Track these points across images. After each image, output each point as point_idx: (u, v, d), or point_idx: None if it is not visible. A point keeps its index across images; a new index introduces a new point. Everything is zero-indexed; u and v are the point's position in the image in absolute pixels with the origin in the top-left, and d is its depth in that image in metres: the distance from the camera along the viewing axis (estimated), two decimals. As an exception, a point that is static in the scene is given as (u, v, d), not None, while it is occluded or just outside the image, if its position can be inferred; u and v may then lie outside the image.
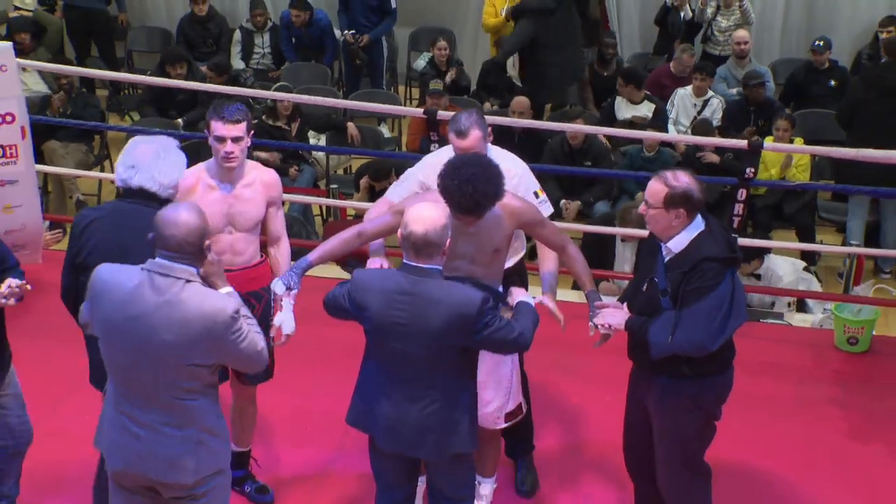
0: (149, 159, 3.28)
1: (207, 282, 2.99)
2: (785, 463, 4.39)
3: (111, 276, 2.95)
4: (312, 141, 7.82)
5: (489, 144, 3.79)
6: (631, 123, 7.70)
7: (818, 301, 5.93)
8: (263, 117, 7.57)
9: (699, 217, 3.30)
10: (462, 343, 3.12)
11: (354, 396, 3.32)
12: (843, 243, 6.93)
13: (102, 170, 7.94)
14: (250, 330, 2.95)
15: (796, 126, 7.25)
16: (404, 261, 3.12)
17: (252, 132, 3.61)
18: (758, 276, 5.91)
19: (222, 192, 3.63)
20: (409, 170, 3.95)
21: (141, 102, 8.47)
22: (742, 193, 5.50)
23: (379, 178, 6.82)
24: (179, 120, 8.03)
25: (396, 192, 3.88)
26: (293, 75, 9.03)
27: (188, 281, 2.88)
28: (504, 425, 3.72)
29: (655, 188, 3.29)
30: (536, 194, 3.85)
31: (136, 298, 2.87)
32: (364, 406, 3.27)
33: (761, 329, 5.53)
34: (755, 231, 6.59)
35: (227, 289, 3.04)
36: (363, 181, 6.91)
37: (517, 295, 3.37)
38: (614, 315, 3.40)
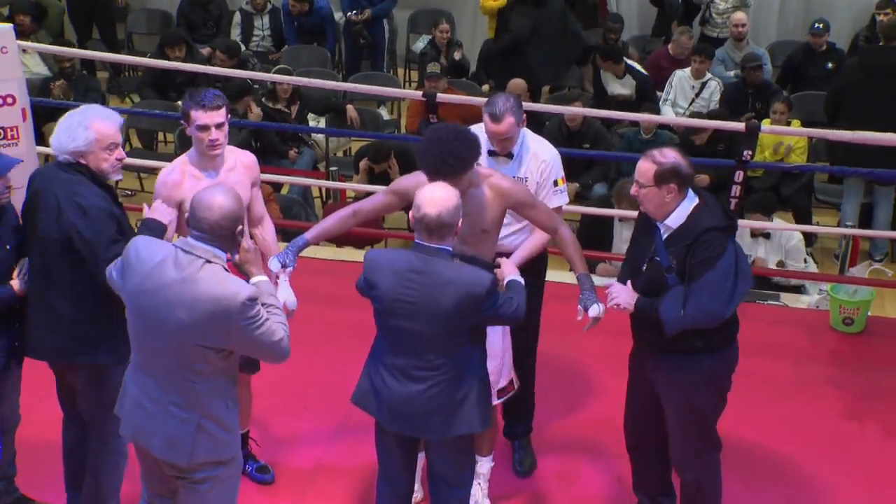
0: (58, 126, 3.37)
1: (242, 269, 3.03)
2: (781, 443, 4.40)
3: (144, 247, 3.00)
4: (312, 123, 7.81)
5: (523, 128, 3.82)
6: (616, 103, 7.71)
7: (814, 282, 5.93)
8: (263, 99, 7.55)
9: (691, 191, 3.30)
10: (469, 322, 3.14)
11: (362, 378, 3.33)
12: (839, 225, 6.93)
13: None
14: (269, 319, 2.92)
15: (793, 108, 7.24)
16: (416, 241, 3.13)
17: (229, 115, 3.55)
18: (767, 236, 5.96)
19: (209, 181, 3.52)
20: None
21: (141, 84, 8.44)
22: (739, 175, 5.49)
23: (378, 160, 6.80)
24: (179, 102, 8.00)
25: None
26: (293, 58, 9.00)
27: (208, 262, 2.88)
28: (497, 401, 3.71)
29: (644, 167, 3.29)
30: (556, 182, 3.84)
31: (159, 272, 2.90)
32: (369, 386, 3.28)
33: (758, 310, 5.53)
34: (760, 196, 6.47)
35: (261, 277, 3.04)
36: (363, 163, 6.89)
37: (507, 272, 3.39)
38: (622, 294, 3.38)
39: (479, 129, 3.70)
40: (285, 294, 3.45)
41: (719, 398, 3.49)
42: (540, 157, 3.83)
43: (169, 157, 7.77)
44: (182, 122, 3.51)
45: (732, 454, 4.27)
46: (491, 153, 3.80)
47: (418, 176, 3.45)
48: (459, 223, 3.15)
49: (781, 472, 4.24)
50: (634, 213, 5.65)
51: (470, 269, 3.14)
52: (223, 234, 2.91)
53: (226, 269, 2.92)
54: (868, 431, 4.51)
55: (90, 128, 3.32)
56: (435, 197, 3.09)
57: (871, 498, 4.10)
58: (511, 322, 3.33)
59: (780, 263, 5.99)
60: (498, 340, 3.66)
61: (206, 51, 9.00)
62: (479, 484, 3.88)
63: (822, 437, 4.46)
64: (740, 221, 6.06)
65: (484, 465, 3.91)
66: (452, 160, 3.25)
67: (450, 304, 3.07)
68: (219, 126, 3.48)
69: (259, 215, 3.79)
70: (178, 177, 3.54)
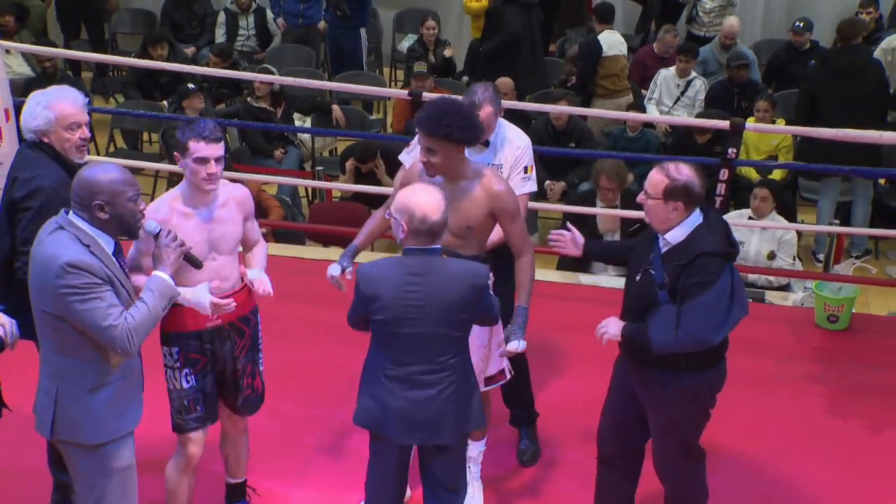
0: (25, 105, 3.46)
1: (159, 261, 3.05)
2: (766, 440, 4.41)
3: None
4: (298, 123, 7.79)
5: (500, 118, 3.92)
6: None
7: (798, 279, 5.96)
8: (249, 99, 7.53)
9: (698, 210, 3.26)
10: (472, 315, 3.16)
11: (361, 397, 3.25)
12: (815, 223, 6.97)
13: (88, 152, 7.85)
14: (103, 301, 2.87)
15: (778, 107, 7.26)
16: (410, 247, 3.09)
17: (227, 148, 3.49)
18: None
19: (200, 219, 3.36)
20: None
21: (125, 85, 8.40)
22: (724, 173, 5.50)
23: (365, 159, 6.80)
24: (164, 102, 7.97)
25: (408, 158, 3.99)
26: (278, 57, 8.98)
27: (61, 227, 2.91)
28: (484, 388, 3.71)
29: (656, 179, 3.24)
30: (525, 169, 3.89)
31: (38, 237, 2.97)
32: (375, 404, 3.20)
33: (743, 308, 5.54)
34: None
35: (161, 274, 3.02)
36: (349, 163, 6.89)
37: None
38: (609, 326, 3.36)
39: None
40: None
41: (702, 415, 3.46)
42: (514, 144, 3.92)
43: (154, 158, 7.76)
44: (175, 153, 3.34)
45: (715, 452, 4.27)
46: None
47: (409, 174, 3.49)
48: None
49: (766, 469, 4.26)
50: (614, 212, 5.78)
51: (465, 262, 3.18)
52: (79, 202, 2.92)
53: (78, 240, 2.89)
54: (853, 428, 4.53)
55: (50, 107, 3.40)
56: (432, 201, 3.07)
57: (855, 495, 4.12)
58: (494, 320, 3.33)
59: (771, 255, 6.02)
60: (483, 329, 3.63)
61: (189, 50, 8.98)
62: (470, 467, 3.89)
63: (807, 434, 4.48)
64: (735, 213, 6.14)
65: (475, 449, 3.91)
66: (454, 123, 3.31)
67: (457, 298, 3.08)
68: (218, 160, 3.30)
69: (254, 242, 3.64)
70: (166, 214, 3.33)
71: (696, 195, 3.22)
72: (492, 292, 3.27)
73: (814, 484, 4.17)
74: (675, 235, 3.25)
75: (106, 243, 2.96)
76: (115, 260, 2.98)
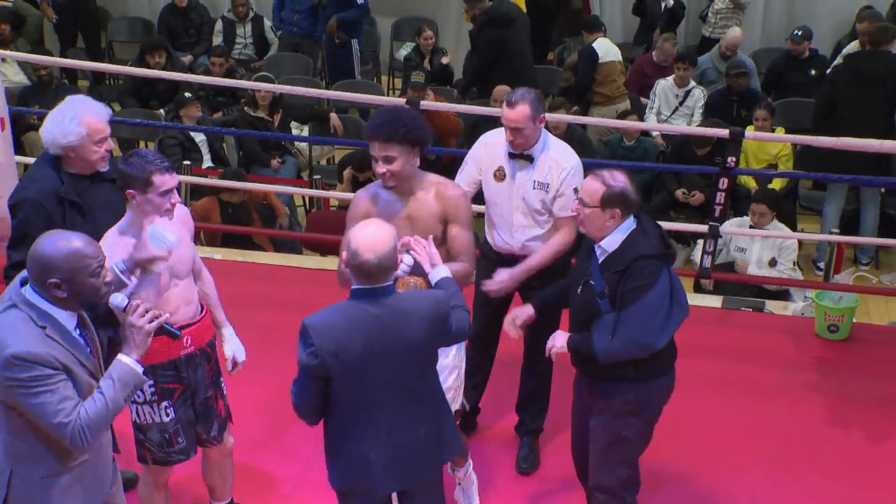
0: (49, 120, 3.41)
1: (126, 343, 2.78)
2: (766, 451, 4.41)
3: None
4: (295, 132, 7.80)
5: (546, 133, 3.92)
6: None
7: (799, 289, 5.97)
8: (245, 108, 7.54)
9: (631, 217, 3.26)
10: (439, 344, 3.04)
11: (333, 461, 3.05)
12: (819, 230, 6.98)
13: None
14: (55, 394, 2.61)
15: (778, 115, 7.28)
16: (356, 286, 2.89)
17: None
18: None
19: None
20: (468, 153, 4.06)
21: (122, 93, 8.41)
22: (724, 182, 5.51)
23: (362, 168, 6.80)
24: (161, 110, 7.99)
25: (461, 179, 4.00)
26: (275, 66, 8.99)
27: (14, 306, 2.66)
28: None
29: (593, 187, 3.22)
30: (576, 190, 3.84)
31: None
32: (353, 462, 3.01)
33: (742, 317, 5.55)
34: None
35: (127, 359, 2.75)
36: (346, 172, 6.89)
37: (439, 272, 3.23)
38: (556, 339, 3.35)
39: (498, 132, 3.86)
40: None
41: (647, 429, 3.42)
42: (561, 165, 3.89)
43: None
44: (130, 191, 3.17)
45: (716, 461, 4.32)
46: (511, 156, 3.90)
47: (368, 192, 3.49)
48: (398, 260, 3.01)
49: (765, 480, 4.25)
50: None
51: (422, 293, 3.06)
52: (34, 278, 2.64)
53: (33, 321, 2.62)
54: (853, 439, 4.53)
55: (82, 123, 3.40)
56: (371, 240, 2.85)
57: (856, 505, 4.12)
58: (466, 335, 3.19)
59: (773, 262, 6.03)
60: (455, 350, 3.60)
61: (187, 59, 8.99)
62: (463, 488, 3.89)
63: (808, 445, 4.48)
64: (735, 220, 6.16)
65: (461, 472, 3.89)
66: (399, 122, 3.31)
67: (423, 333, 2.92)
68: (177, 188, 3.25)
69: (198, 267, 3.53)
70: (123, 254, 3.19)
71: (632, 201, 3.23)
72: (457, 304, 3.10)
73: (814, 494, 4.18)
74: (611, 242, 3.24)
75: (66, 319, 2.70)
76: (76, 336, 2.73)
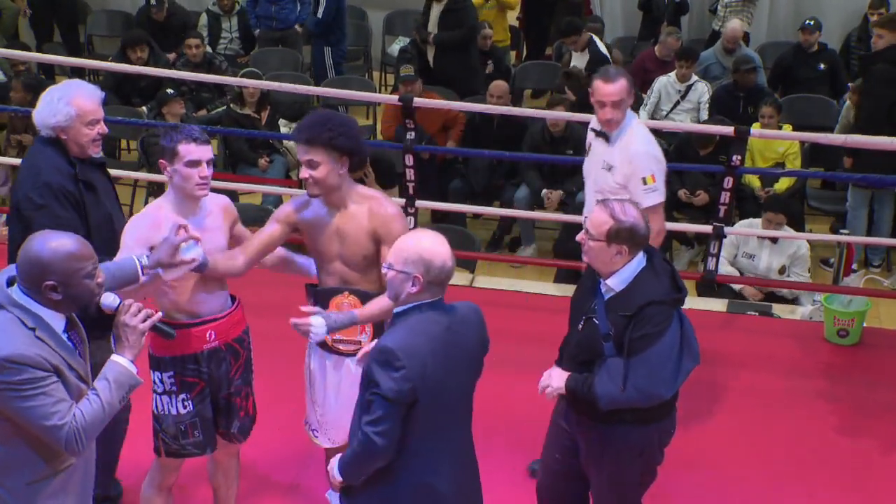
0: (41, 100, 3.49)
1: (119, 343, 2.79)
2: (773, 460, 4.41)
3: None
4: (284, 129, 7.79)
5: (631, 114, 4.03)
6: (567, 75, 7.85)
7: (808, 292, 5.96)
8: (231, 105, 7.52)
9: (641, 254, 3.15)
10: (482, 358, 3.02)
11: (385, 489, 2.86)
12: (835, 232, 6.95)
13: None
14: (49, 397, 2.61)
15: (785, 112, 7.27)
16: (424, 301, 2.81)
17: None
18: (774, 239, 5.99)
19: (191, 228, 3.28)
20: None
21: (102, 90, 8.35)
22: (729, 181, 5.51)
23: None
24: (143, 108, 7.96)
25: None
26: (262, 61, 8.98)
27: (2, 307, 2.65)
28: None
29: (600, 219, 3.11)
30: (644, 181, 3.85)
31: None
32: (419, 494, 2.86)
33: (749, 322, 5.55)
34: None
35: (121, 359, 2.76)
36: (336, 171, 6.87)
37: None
38: (553, 379, 3.24)
39: (644, 133, 4.03)
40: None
41: (648, 472, 3.36)
42: (630, 150, 3.94)
43: (132, 166, 7.75)
44: (161, 161, 3.31)
45: (722, 468, 4.32)
46: (595, 132, 4.06)
47: (299, 199, 3.48)
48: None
49: (773, 489, 4.25)
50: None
51: (460, 304, 2.95)
52: (27, 280, 2.64)
53: (21, 322, 2.62)
54: (864, 447, 4.52)
55: (71, 103, 3.46)
56: (442, 248, 2.81)
57: (867, 517, 4.13)
58: None
59: (783, 269, 6.02)
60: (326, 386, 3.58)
61: (171, 55, 8.96)
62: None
63: (816, 453, 4.48)
64: (745, 222, 6.14)
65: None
66: (337, 127, 3.31)
67: (477, 344, 2.92)
68: (209, 162, 3.29)
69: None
70: (150, 227, 3.28)
71: (641, 238, 3.11)
72: None
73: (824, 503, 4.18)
74: (619, 281, 3.12)
75: (55, 321, 2.70)
76: (65, 339, 2.73)
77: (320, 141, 3.30)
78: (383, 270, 2.88)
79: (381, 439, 2.72)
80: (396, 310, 2.85)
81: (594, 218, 3.13)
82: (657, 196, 3.93)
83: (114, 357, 2.78)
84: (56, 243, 2.64)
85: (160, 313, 2.90)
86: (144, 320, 2.80)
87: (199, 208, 3.39)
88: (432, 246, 2.79)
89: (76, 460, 2.79)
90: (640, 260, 3.14)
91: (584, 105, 7.70)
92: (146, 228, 3.29)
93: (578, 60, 8.24)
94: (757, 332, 5.43)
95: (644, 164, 3.91)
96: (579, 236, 3.18)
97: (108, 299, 2.84)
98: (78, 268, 2.65)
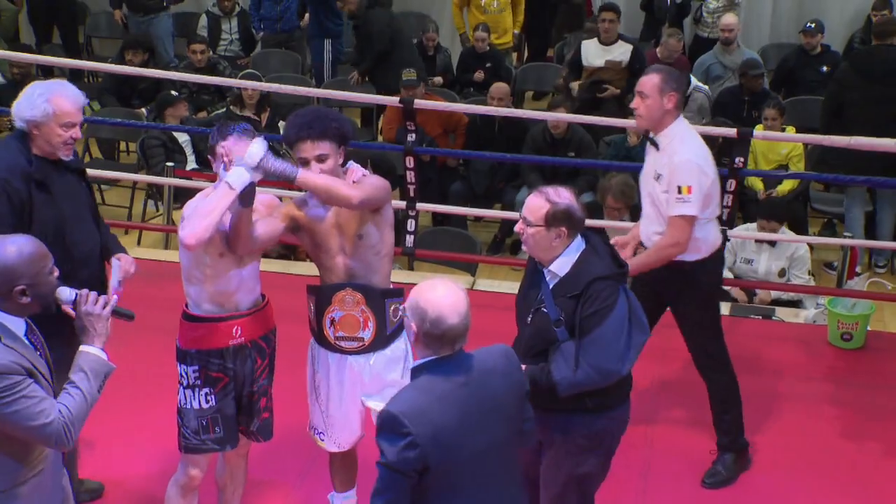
0: (22, 93, 3.50)
1: (86, 333, 2.80)
2: (777, 464, 4.43)
3: None
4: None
5: (682, 121, 3.98)
6: (602, 71, 7.81)
7: (811, 295, 5.98)
8: (231, 107, 7.55)
9: (579, 236, 3.20)
10: (524, 389, 2.89)
11: None
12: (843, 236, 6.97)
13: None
14: (31, 398, 2.62)
15: (788, 114, 7.29)
16: (431, 358, 2.68)
17: None
18: (772, 243, 6.00)
19: None
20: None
21: (101, 91, 8.41)
22: (731, 184, 5.53)
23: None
24: (143, 109, 7.99)
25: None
26: (263, 63, 9.00)
27: None
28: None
29: (536, 204, 3.15)
30: (679, 189, 3.84)
31: None
32: None
33: (752, 325, 5.57)
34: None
35: (91, 349, 2.78)
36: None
37: None
38: None
39: (693, 138, 3.97)
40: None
41: (606, 462, 3.34)
42: (673, 157, 3.90)
43: (131, 169, 7.78)
44: (209, 157, 3.42)
45: (727, 476, 4.33)
46: (649, 140, 4.01)
47: (297, 199, 3.48)
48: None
49: (777, 494, 4.27)
50: (616, 224, 5.78)
51: (486, 349, 2.82)
52: None
53: None
54: (868, 451, 4.54)
55: (50, 101, 3.46)
56: (451, 301, 2.65)
57: (871, 521, 4.15)
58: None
59: (783, 272, 6.04)
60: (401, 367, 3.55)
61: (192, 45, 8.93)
62: None
63: (820, 458, 4.49)
64: (742, 227, 6.17)
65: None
66: (336, 116, 3.33)
67: (503, 390, 2.75)
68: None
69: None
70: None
71: (578, 219, 3.16)
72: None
73: (827, 510, 4.20)
74: (561, 266, 3.17)
75: (16, 326, 2.72)
76: (27, 342, 2.75)
77: (330, 133, 3.33)
78: (399, 313, 2.79)
79: (380, 486, 2.61)
80: (413, 365, 2.76)
81: (530, 204, 3.17)
82: (688, 208, 3.86)
83: (83, 348, 2.79)
84: (15, 247, 2.68)
85: (115, 297, 2.92)
86: (104, 306, 2.83)
87: None
88: (435, 297, 2.64)
89: (44, 466, 2.80)
90: (579, 242, 3.19)
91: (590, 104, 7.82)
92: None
93: (606, 53, 8.13)
94: (760, 336, 5.45)
95: (684, 172, 3.87)
96: (517, 227, 3.23)
97: (65, 294, 2.85)
98: (42, 266, 2.71)
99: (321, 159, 3.34)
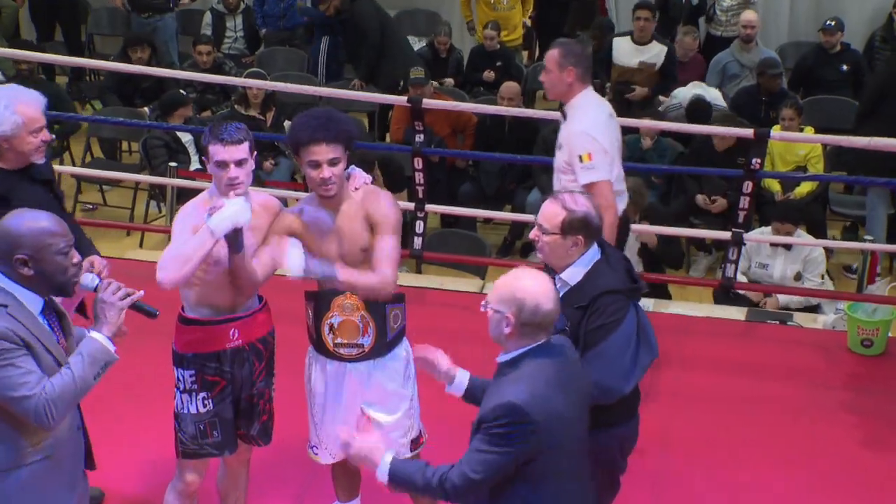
0: None
1: (97, 320, 2.82)
2: (795, 473, 4.38)
3: None
4: (289, 131, 7.77)
5: (587, 93, 4.20)
6: (638, 72, 7.74)
7: (830, 300, 5.92)
8: (236, 106, 7.52)
9: (595, 245, 3.16)
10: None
11: None
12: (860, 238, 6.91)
13: (61, 162, 7.86)
14: (18, 368, 2.65)
15: (806, 114, 7.22)
16: (533, 345, 2.74)
17: (255, 153, 3.36)
18: (787, 247, 5.95)
19: None
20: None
21: (103, 90, 8.39)
22: (748, 186, 5.47)
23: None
24: (145, 108, 7.97)
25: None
26: (268, 61, 8.97)
27: None
28: (410, 454, 3.56)
29: (552, 211, 3.10)
30: (580, 158, 4.00)
31: None
32: None
33: (770, 330, 5.52)
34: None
35: (97, 335, 2.79)
36: (343, 174, 6.86)
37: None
38: None
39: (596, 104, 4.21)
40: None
41: (612, 481, 3.30)
42: (570, 128, 4.12)
43: (134, 168, 7.76)
44: (203, 158, 3.40)
45: (742, 480, 4.29)
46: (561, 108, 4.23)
47: (293, 208, 3.45)
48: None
49: (794, 500, 4.22)
50: (643, 228, 5.74)
51: (558, 337, 2.87)
52: None
53: None
54: (888, 460, 4.49)
55: (17, 112, 3.43)
56: (543, 288, 2.73)
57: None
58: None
59: (798, 276, 5.98)
60: (410, 383, 3.55)
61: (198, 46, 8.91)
62: None
63: (839, 466, 4.44)
64: (757, 230, 6.10)
65: None
66: (345, 118, 3.33)
67: (582, 370, 2.87)
68: (239, 163, 3.26)
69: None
70: (193, 207, 3.36)
71: (595, 228, 3.12)
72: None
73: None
74: (573, 275, 3.12)
75: (31, 301, 2.76)
76: (41, 320, 2.78)
77: (342, 136, 3.29)
78: (481, 309, 2.80)
79: (468, 482, 2.65)
80: (502, 358, 2.78)
81: (546, 212, 3.12)
82: (595, 174, 4.06)
83: (90, 333, 2.81)
84: (30, 218, 2.75)
85: (141, 292, 2.91)
86: (124, 298, 2.84)
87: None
88: (529, 286, 2.72)
89: (50, 453, 2.80)
90: (594, 252, 3.15)
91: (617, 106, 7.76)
92: (192, 217, 3.32)
93: (640, 53, 8.02)
94: (778, 342, 5.40)
95: (581, 142, 4.06)
96: (532, 234, 3.18)
97: (87, 279, 2.89)
98: (49, 243, 2.73)
99: (333, 163, 3.28)
